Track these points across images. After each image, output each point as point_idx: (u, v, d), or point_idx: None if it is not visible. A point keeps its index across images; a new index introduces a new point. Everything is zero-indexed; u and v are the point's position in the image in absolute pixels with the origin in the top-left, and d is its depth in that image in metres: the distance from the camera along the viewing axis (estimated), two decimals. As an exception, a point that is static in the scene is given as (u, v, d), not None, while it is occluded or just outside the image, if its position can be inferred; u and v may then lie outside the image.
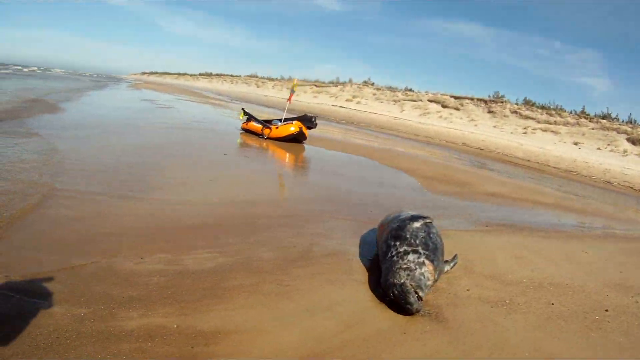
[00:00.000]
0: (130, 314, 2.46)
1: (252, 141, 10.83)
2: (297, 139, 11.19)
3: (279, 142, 11.01)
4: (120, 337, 2.25)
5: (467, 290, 3.30)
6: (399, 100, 33.65)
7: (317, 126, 11.78)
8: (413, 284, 2.81)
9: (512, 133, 23.55)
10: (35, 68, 55.67)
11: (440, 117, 28.67)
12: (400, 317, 2.77)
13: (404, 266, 2.93)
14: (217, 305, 2.64)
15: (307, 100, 40.51)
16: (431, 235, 3.21)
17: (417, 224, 3.27)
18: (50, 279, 2.69)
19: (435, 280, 3.13)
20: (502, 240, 4.80)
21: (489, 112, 27.04)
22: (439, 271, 3.14)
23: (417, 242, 3.12)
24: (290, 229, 4.26)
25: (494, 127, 25.13)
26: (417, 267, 2.93)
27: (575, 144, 20.57)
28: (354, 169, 9.05)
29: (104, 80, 47.56)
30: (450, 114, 28.60)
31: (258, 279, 3.04)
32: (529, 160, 16.78)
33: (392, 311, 2.83)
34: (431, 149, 15.90)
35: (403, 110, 31.86)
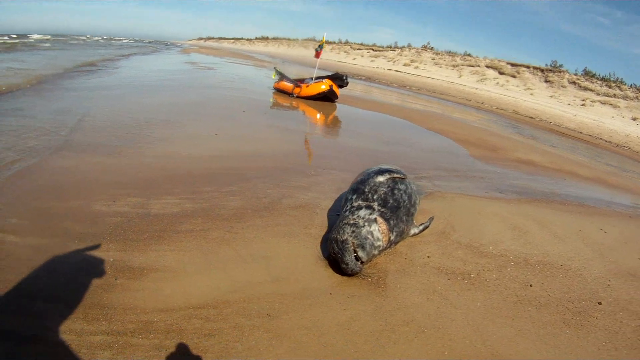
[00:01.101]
0: (78, 247, 2.61)
1: (283, 100, 10.74)
2: (328, 97, 11.12)
3: (309, 101, 10.86)
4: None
5: (428, 257, 3.00)
6: (457, 66, 32.16)
7: (360, 87, 11.51)
8: (355, 242, 2.60)
9: (569, 104, 21.61)
10: (99, 38, 58.30)
11: (497, 84, 27.05)
12: (336, 278, 2.60)
13: (351, 222, 2.72)
14: (157, 246, 2.70)
15: (362, 63, 39.36)
16: (395, 192, 2.94)
17: (380, 178, 3.02)
18: (22, 218, 2.90)
19: (393, 243, 2.90)
20: (508, 208, 4.26)
21: (546, 81, 25.15)
22: (397, 232, 2.88)
23: (375, 197, 2.88)
24: (271, 180, 4.19)
25: (551, 97, 23.25)
26: (365, 224, 2.71)
27: (634, 119, 18.41)
28: (383, 129, 8.71)
29: (158, 46, 48.54)
30: (507, 81, 26.90)
31: (211, 226, 3.06)
32: (580, 132, 15.27)
33: (331, 270, 2.67)
34: (478, 114, 14.84)
35: (461, 76, 30.53)
